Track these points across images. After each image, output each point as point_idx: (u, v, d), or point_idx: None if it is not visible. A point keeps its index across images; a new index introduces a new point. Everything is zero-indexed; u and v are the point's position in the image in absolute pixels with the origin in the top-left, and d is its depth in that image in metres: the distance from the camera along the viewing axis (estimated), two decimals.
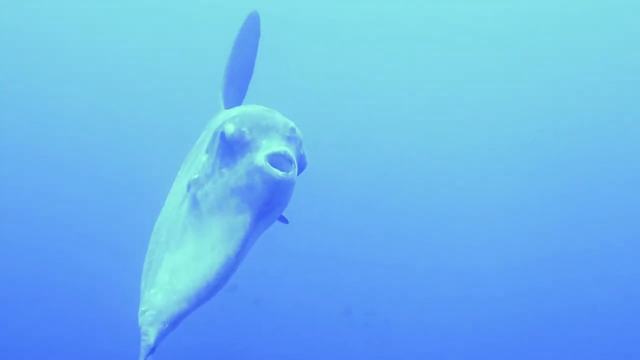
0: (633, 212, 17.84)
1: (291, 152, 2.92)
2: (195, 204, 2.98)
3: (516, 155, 20.03)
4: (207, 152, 3.10)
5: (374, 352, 13.38)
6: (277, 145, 2.88)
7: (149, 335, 2.86)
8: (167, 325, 2.87)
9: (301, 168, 3.12)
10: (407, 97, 20.48)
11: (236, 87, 4.14)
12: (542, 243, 17.00)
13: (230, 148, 2.90)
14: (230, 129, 2.91)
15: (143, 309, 2.99)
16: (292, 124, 2.95)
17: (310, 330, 13.52)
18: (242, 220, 2.86)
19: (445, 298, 14.92)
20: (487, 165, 19.47)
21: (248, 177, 2.82)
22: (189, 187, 3.02)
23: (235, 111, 3.27)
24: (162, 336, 2.87)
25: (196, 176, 3.03)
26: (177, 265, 2.96)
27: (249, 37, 4.16)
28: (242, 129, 2.90)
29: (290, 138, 2.95)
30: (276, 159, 2.86)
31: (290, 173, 2.87)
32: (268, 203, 2.89)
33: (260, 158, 2.83)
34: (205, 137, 3.39)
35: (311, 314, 13.84)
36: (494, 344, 13.91)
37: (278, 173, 2.81)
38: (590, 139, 20.07)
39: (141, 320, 2.99)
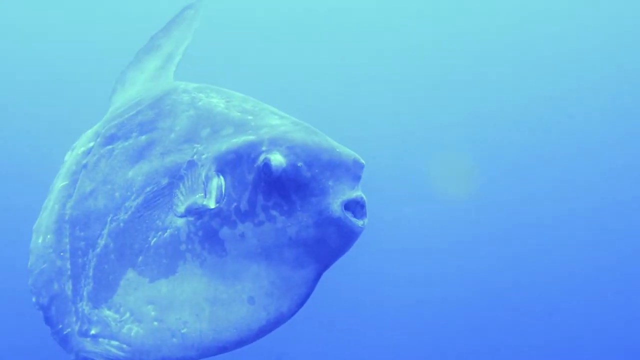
0: None
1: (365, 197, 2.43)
2: (211, 238, 2.53)
3: None
4: (221, 173, 2.58)
5: None
6: (351, 189, 2.40)
7: None
8: None
9: None
10: None
11: (141, 68, 3.48)
12: None
13: (281, 186, 2.41)
14: (279, 161, 2.41)
15: (95, 332, 2.67)
16: (363, 161, 2.45)
17: None
18: (303, 276, 2.40)
19: None
20: None
21: (318, 228, 2.36)
22: (190, 211, 2.60)
23: (271, 130, 2.58)
24: None
25: (211, 205, 2.54)
26: (171, 300, 2.54)
27: (182, 24, 3.53)
28: (298, 164, 2.41)
29: (360, 177, 2.44)
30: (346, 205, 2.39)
31: (366, 221, 2.42)
32: (340, 257, 2.42)
33: (335, 207, 2.37)
34: (190, 132, 2.78)
35: None
36: None
37: (358, 224, 2.39)
38: None
39: (93, 347, 2.66)
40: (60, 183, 3.18)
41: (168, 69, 3.33)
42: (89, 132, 3.31)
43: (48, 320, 2.96)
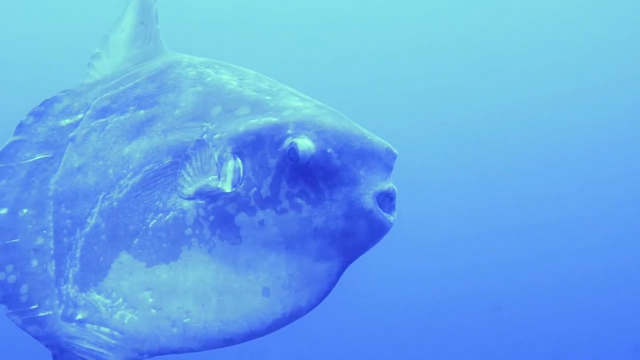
0: None
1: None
2: (225, 224, 2.38)
3: None
4: (238, 156, 2.43)
5: None
6: (383, 180, 2.29)
7: None
8: (143, 357, 2.40)
9: None
10: None
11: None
12: None
13: (308, 173, 2.28)
14: (307, 146, 2.29)
15: (81, 317, 2.52)
16: (395, 150, 2.35)
17: None
18: (327, 269, 2.28)
19: None
20: None
21: (348, 220, 2.24)
22: (201, 194, 2.44)
23: (296, 113, 2.44)
24: None
25: (227, 189, 2.39)
26: (172, 287, 2.40)
27: None
28: (327, 150, 2.29)
29: (392, 168, 2.33)
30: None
31: (395, 215, 2.31)
32: (366, 252, 2.31)
33: (367, 198, 2.25)
34: (197, 108, 2.59)
35: None
36: None
37: (390, 220, 2.30)
38: None
39: (80, 333, 2.50)
40: (37, 155, 2.90)
41: (150, 26, 3.01)
42: (66, 100, 3.02)
43: (10, 298, 2.71)
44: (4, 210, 2.80)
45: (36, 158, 2.90)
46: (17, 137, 2.96)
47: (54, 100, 3.03)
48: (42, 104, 3.03)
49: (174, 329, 2.37)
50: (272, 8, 22.13)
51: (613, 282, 16.77)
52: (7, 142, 2.98)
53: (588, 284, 16.62)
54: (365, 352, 13.61)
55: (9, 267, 2.72)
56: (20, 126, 2.98)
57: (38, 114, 3.00)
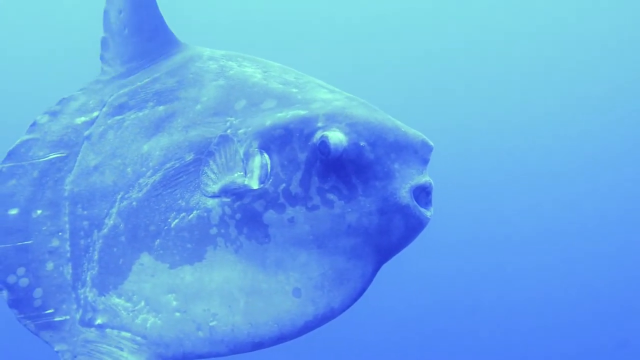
0: None
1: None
2: (252, 222, 2.28)
3: None
4: (265, 151, 2.33)
5: None
6: (419, 174, 2.20)
7: None
8: None
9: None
10: None
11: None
12: None
13: (340, 167, 2.18)
14: (339, 139, 2.19)
15: (101, 322, 2.41)
16: (431, 143, 2.26)
17: None
18: (361, 268, 2.18)
19: None
20: None
21: (383, 216, 2.14)
22: (227, 191, 2.34)
23: (326, 105, 2.33)
24: None
25: (254, 185, 2.29)
26: (197, 289, 2.29)
27: None
28: (360, 144, 2.19)
29: (428, 161, 2.23)
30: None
31: (432, 210, 2.22)
32: (402, 249, 2.22)
33: (404, 193, 2.16)
34: (221, 104, 2.48)
35: None
36: None
37: (427, 215, 2.19)
38: None
39: (100, 339, 2.38)
40: (51, 154, 2.79)
41: (150, 5, 2.83)
42: (82, 98, 2.92)
43: (21, 302, 2.60)
44: (15, 211, 2.69)
45: (50, 157, 2.79)
46: (30, 136, 2.86)
47: (70, 98, 2.93)
48: (58, 103, 2.93)
49: (200, 333, 2.26)
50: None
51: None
52: (18, 141, 2.87)
53: (609, 288, 16.60)
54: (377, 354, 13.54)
55: (21, 270, 2.61)
56: (34, 125, 2.88)
57: (53, 113, 2.90)
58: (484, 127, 21.48)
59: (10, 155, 2.83)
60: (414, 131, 2.28)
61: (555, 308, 15.68)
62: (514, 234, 18.05)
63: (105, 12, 2.90)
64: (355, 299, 2.23)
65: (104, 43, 2.93)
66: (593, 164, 20.78)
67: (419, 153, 2.22)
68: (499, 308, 15.42)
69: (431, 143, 2.26)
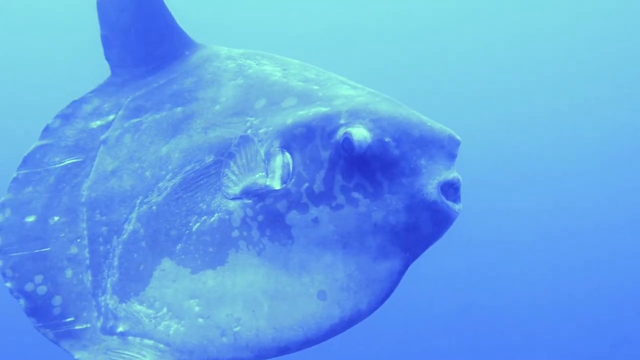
0: None
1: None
2: (275, 224, 2.23)
3: None
4: (286, 150, 2.27)
5: None
6: (446, 169, 2.14)
7: None
8: None
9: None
10: None
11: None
12: None
13: (365, 165, 2.13)
14: (363, 136, 2.13)
15: (123, 329, 2.37)
16: (458, 137, 2.20)
17: None
18: (388, 267, 2.12)
19: None
20: None
21: (410, 213, 2.09)
22: (248, 193, 2.29)
23: (348, 102, 2.28)
24: None
25: (276, 186, 2.25)
26: (220, 294, 2.24)
27: None
28: (385, 140, 2.13)
29: (456, 156, 2.18)
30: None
31: (461, 205, 2.16)
32: (430, 246, 2.15)
33: (431, 189, 2.10)
34: (244, 103, 2.43)
35: None
36: None
37: (455, 209, 2.14)
38: None
39: (123, 347, 2.32)
40: (66, 159, 2.75)
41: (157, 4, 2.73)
42: (95, 101, 2.86)
43: (39, 310, 2.56)
44: (32, 218, 2.65)
45: (66, 163, 2.75)
46: (44, 142, 2.82)
47: (82, 101, 2.87)
48: (69, 106, 2.87)
49: (224, 339, 2.21)
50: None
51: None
52: (32, 147, 2.82)
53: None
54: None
55: (39, 278, 2.58)
56: (47, 130, 2.83)
57: (65, 117, 2.84)
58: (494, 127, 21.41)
59: (26, 161, 2.80)
60: (440, 126, 2.23)
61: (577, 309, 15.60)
62: (525, 235, 17.97)
63: (103, 8, 2.77)
64: (383, 300, 2.17)
65: (106, 42, 2.83)
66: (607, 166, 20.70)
67: (446, 148, 2.17)
68: (519, 309, 15.35)
69: (458, 137, 2.20)
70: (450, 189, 2.17)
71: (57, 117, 2.86)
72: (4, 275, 2.61)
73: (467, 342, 13.97)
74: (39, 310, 2.55)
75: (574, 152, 21.10)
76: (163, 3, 2.79)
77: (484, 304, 15.40)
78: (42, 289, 2.56)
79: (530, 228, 18.15)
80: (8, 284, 2.60)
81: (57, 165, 2.75)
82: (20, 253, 2.60)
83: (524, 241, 17.69)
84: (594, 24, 22.50)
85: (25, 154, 2.82)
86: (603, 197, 19.84)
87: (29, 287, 2.57)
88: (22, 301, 2.57)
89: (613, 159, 21.03)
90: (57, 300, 2.54)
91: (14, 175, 2.77)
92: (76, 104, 2.87)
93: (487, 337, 14.12)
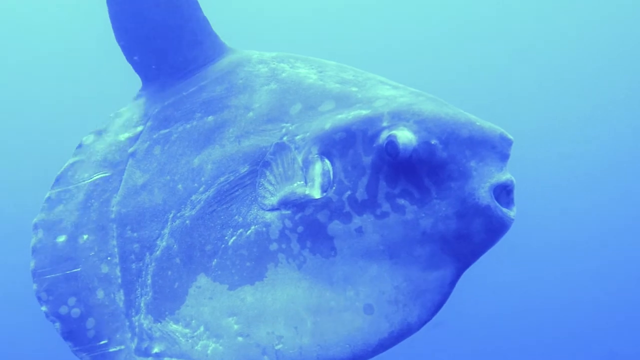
0: None
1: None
2: (316, 235, 2.11)
3: None
4: (325, 156, 2.16)
5: None
6: (499, 171, 1.98)
7: None
8: None
9: None
10: None
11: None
12: None
13: (411, 169, 2.00)
14: (408, 139, 2.00)
15: (159, 350, 2.29)
16: (510, 136, 2.04)
17: None
18: (438, 278, 1.98)
19: None
20: None
21: (461, 220, 1.94)
22: (286, 203, 2.17)
23: (390, 103, 2.15)
24: None
25: (315, 195, 2.13)
26: (260, 311, 2.13)
27: None
28: (431, 142, 2.00)
29: (508, 156, 2.02)
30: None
31: (515, 210, 2.01)
32: (483, 254, 2.01)
33: (483, 193, 1.95)
34: (281, 110, 2.32)
35: None
36: None
37: (510, 215, 1.97)
38: None
39: None
40: (95, 175, 2.67)
41: (192, 6, 2.60)
42: (127, 113, 2.79)
43: (74, 334, 2.49)
44: (62, 238, 2.58)
45: (94, 178, 2.67)
46: (76, 158, 2.77)
47: (115, 115, 2.82)
48: (104, 121, 2.84)
49: (265, 358, 2.09)
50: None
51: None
52: (65, 165, 2.78)
53: None
54: None
55: (72, 300, 2.50)
56: (80, 146, 2.79)
57: (99, 132, 2.80)
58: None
59: (59, 180, 2.75)
60: (490, 125, 2.07)
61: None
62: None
63: (119, 13, 2.65)
64: (434, 313, 2.02)
65: (129, 47, 2.72)
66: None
67: (497, 148, 2.00)
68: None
69: (510, 137, 2.04)
70: (503, 192, 2.02)
71: (91, 132, 2.82)
72: (39, 299, 2.56)
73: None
74: (73, 334, 2.49)
75: (573, 157, 20.83)
76: (197, 2, 2.66)
77: (475, 309, 15.18)
78: (75, 312, 2.50)
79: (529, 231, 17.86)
80: (43, 308, 2.54)
81: (86, 182, 2.69)
82: (53, 275, 2.54)
83: (522, 245, 17.41)
84: (600, 30, 22.26)
85: (58, 173, 2.78)
86: (601, 202, 19.55)
87: (62, 310, 2.51)
88: (57, 325, 2.52)
89: (613, 164, 20.69)
90: (90, 322, 2.47)
91: (47, 194, 2.72)
92: (110, 119, 2.84)
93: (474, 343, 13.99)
